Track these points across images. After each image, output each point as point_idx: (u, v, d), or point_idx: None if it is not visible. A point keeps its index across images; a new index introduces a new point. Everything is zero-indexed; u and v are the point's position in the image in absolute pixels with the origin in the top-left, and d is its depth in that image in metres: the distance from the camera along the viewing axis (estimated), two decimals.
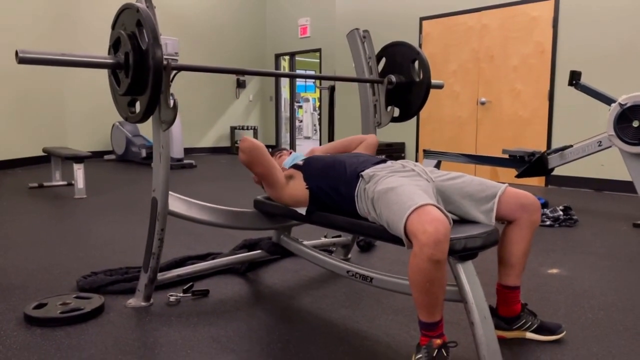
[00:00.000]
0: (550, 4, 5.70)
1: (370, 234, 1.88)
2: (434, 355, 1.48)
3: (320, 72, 9.80)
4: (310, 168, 2.04)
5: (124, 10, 1.86)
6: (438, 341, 1.50)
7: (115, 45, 1.85)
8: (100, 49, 5.59)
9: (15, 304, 2.10)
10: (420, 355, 1.50)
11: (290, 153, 2.33)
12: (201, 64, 2.21)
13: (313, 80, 16.73)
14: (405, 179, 1.71)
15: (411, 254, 1.46)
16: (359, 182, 1.82)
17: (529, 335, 1.83)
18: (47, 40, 7.49)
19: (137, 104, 1.90)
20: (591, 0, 5.43)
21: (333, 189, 1.90)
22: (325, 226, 2.06)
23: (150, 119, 1.98)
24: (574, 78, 4.23)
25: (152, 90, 1.75)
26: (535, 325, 1.83)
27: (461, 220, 1.77)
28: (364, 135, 2.47)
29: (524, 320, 1.83)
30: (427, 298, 1.48)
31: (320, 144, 9.84)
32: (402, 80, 2.59)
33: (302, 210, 2.01)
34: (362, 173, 1.82)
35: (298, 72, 12.78)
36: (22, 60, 1.60)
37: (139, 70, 1.76)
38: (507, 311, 1.83)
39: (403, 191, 1.59)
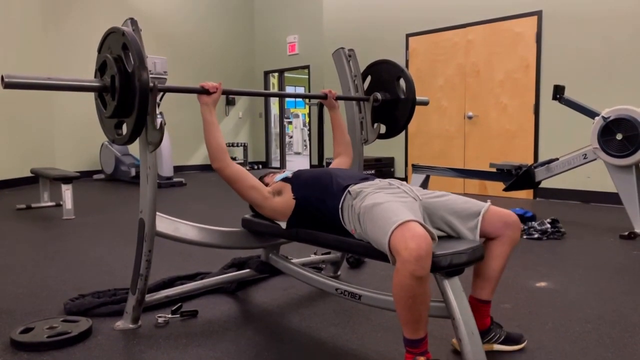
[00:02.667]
0: (533, 20, 5.81)
1: (358, 252, 1.89)
2: None
3: (309, 88, 9.87)
4: (298, 179, 2.09)
5: (110, 34, 1.88)
6: (422, 358, 1.51)
7: (101, 69, 1.86)
8: (86, 73, 5.59)
9: (2, 329, 2.08)
10: None
11: (283, 172, 2.36)
12: (190, 83, 2.23)
13: None
14: (391, 196, 1.73)
15: (394, 271, 1.48)
16: (344, 196, 1.84)
17: (497, 347, 1.85)
18: (33, 65, 7.50)
19: (124, 126, 1.91)
20: (573, 16, 5.54)
21: (319, 199, 1.93)
22: (313, 244, 2.07)
23: (137, 140, 1.99)
24: (558, 92, 4.30)
25: (138, 112, 1.76)
26: (503, 337, 1.86)
27: (447, 236, 1.79)
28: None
29: (493, 333, 1.86)
30: (410, 314, 1.50)
31: (310, 160, 9.86)
32: (387, 98, 2.62)
33: (283, 224, 2.05)
34: (350, 188, 1.85)
35: (287, 88, 12.84)
36: (7, 85, 1.60)
37: (125, 93, 1.77)
38: (478, 324, 1.84)
39: (388, 207, 1.61)
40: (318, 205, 1.93)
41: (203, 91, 2.04)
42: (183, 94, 2.25)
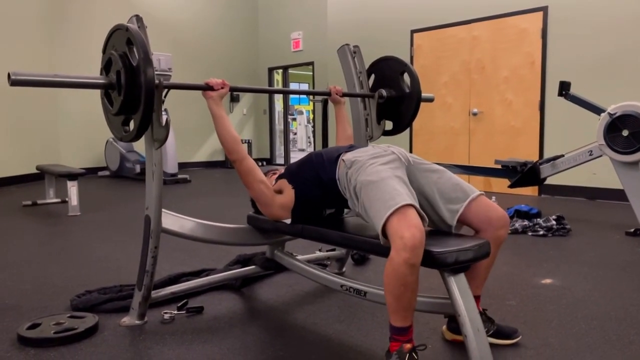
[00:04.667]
0: (538, 16, 5.78)
1: (363, 248, 1.90)
2: (406, 359, 1.51)
3: (313, 85, 9.86)
4: (290, 169, 2.13)
5: (114, 32, 1.87)
6: (408, 345, 1.54)
7: (106, 67, 1.85)
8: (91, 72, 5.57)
9: (9, 325, 2.09)
10: None
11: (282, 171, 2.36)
12: (195, 80, 2.23)
13: None
14: (386, 169, 1.73)
15: (388, 259, 1.51)
16: (338, 165, 1.88)
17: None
18: (39, 63, 7.52)
19: (131, 123, 1.90)
20: (579, 12, 5.51)
21: (314, 177, 1.96)
22: (318, 241, 2.07)
23: (143, 138, 2.00)
24: (564, 88, 4.28)
25: (144, 107, 1.74)
26: (492, 331, 1.87)
27: (451, 233, 1.79)
28: None
29: None
30: (401, 302, 1.53)
31: None
32: (392, 94, 2.61)
33: (287, 220, 2.06)
34: (343, 157, 1.87)
35: (291, 85, 12.83)
36: (14, 83, 1.60)
37: (131, 88, 1.76)
38: None
39: (385, 187, 1.64)
40: (315, 183, 1.95)
41: (208, 88, 2.05)
42: (186, 91, 2.25)
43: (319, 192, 1.97)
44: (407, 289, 1.50)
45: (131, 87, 1.76)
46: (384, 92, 2.62)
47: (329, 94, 2.56)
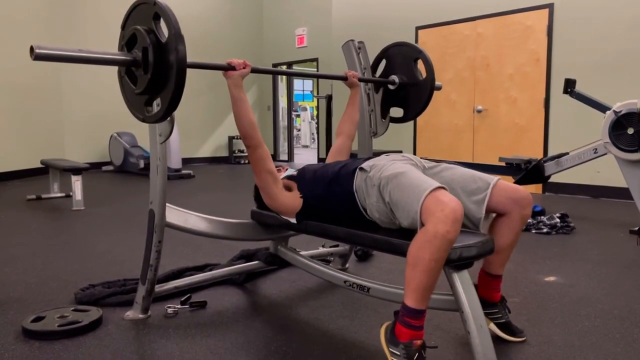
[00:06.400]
0: (544, 13, 5.75)
1: (366, 244, 1.90)
2: (414, 358, 1.49)
3: (317, 81, 9.86)
4: (303, 176, 2.09)
5: (136, 6, 1.76)
6: (418, 342, 1.51)
7: (128, 43, 1.73)
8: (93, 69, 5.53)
9: (13, 318, 2.11)
10: (398, 353, 1.51)
11: (287, 169, 2.34)
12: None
13: (311, 90, 16.84)
14: (409, 165, 1.76)
15: (420, 232, 1.48)
16: (355, 177, 1.85)
17: (491, 326, 1.86)
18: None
19: (155, 103, 1.77)
20: (585, 9, 5.48)
21: (327, 191, 1.93)
22: (322, 236, 2.07)
23: (147, 132, 2.00)
24: (569, 86, 4.26)
25: (176, 86, 1.63)
26: (503, 321, 1.87)
27: None
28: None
29: (496, 310, 1.86)
30: (426, 279, 1.48)
31: (318, 153, 9.85)
32: (404, 81, 2.59)
33: (292, 219, 2.06)
34: (362, 165, 1.85)
35: (295, 82, 12.83)
36: (38, 57, 1.50)
37: (160, 66, 1.65)
38: (486, 294, 1.86)
39: (413, 176, 1.64)
40: (328, 196, 1.93)
41: (230, 68, 1.98)
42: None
43: (326, 206, 1.95)
44: (437, 264, 1.46)
45: (159, 65, 1.65)
46: (396, 79, 2.60)
47: (345, 77, 2.52)
